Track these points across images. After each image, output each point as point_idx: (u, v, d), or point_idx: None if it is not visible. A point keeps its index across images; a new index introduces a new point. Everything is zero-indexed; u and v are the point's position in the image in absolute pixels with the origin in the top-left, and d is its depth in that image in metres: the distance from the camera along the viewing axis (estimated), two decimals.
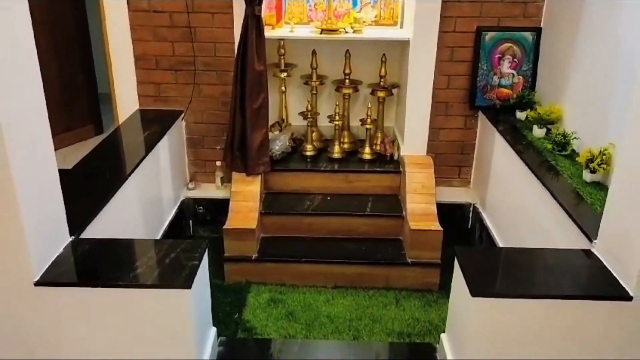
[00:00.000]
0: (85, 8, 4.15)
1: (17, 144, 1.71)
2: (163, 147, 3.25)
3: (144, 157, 2.94)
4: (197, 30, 3.34)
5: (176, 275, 1.87)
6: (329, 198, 3.44)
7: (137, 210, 2.90)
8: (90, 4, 3.96)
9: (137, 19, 3.31)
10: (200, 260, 1.94)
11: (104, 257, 2.01)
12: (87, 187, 2.59)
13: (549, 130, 3.00)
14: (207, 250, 2.03)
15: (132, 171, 2.77)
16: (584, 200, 2.40)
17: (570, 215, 2.32)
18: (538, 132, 3.01)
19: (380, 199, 3.43)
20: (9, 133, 1.67)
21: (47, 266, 1.89)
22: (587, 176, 2.51)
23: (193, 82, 3.43)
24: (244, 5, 3.00)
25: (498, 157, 3.25)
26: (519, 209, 2.94)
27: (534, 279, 2.04)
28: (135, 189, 2.81)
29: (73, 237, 2.05)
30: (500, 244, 3.15)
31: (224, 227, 3.11)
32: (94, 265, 1.96)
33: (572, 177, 2.57)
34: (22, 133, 1.74)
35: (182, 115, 3.51)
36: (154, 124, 3.39)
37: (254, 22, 3.02)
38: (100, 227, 2.29)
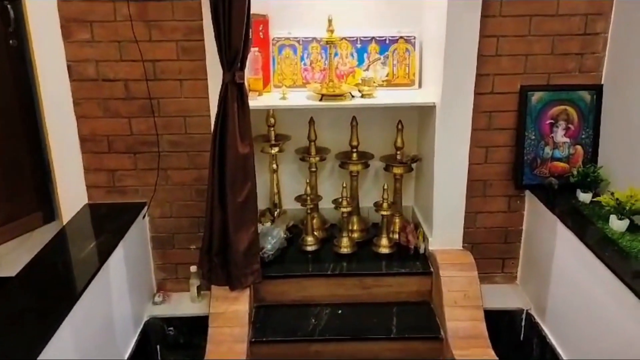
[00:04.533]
0: (27, 71, 3.38)
1: None
2: (119, 254, 2.44)
3: (91, 279, 2.13)
4: (162, 102, 2.57)
5: None
6: (339, 311, 2.63)
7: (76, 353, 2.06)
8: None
9: (82, 90, 2.54)
10: None
11: None
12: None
13: (632, 222, 2.25)
14: None
15: (75, 302, 1.97)
16: None
17: None
18: (618, 224, 2.26)
19: (407, 310, 2.62)
20: None
21: None
22: None
23: (157, 167, 2.65)
24: (221, 71, 2.26)
25: (561, 251, 2.48)
26: (605, 329, 2.15)
27: None
28: (79, 324, 1.99)
29: None
30: None
31: None
32: None
33: None
34: None
35: (145, 209, 2.71)
36: (108, 222, 2.59)
37: (234, 91, 2.27)
38: None
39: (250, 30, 2.63)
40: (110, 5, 2.41)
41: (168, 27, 2.45)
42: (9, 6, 3.23)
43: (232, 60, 2.21)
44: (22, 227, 3.59)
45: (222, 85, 2.27)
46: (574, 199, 2.57)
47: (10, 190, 3.47)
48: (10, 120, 3.38)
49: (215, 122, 2.32)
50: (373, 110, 2.88)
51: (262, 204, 3.01)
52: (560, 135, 2.64)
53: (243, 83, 2.28)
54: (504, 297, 2.82)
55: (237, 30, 2.15)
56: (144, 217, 2.67)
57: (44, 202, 3.63)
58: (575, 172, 2.59)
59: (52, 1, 2.41)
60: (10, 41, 3.28)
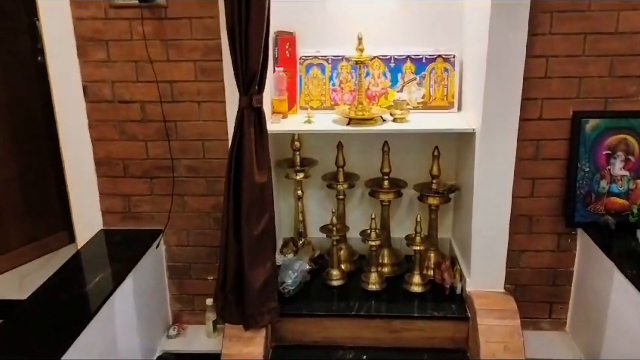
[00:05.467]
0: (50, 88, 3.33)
1: None
2: (131, 283, 2.29)
3: (98, 309, 2.01)
4: (179, 125, 2.43)
5: None
6: (364, 357, 2.40)
7: None
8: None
9: (98, 111, 2.43)
10: None
11: None
12: None
13: None
14: None
15: (78, 334, 1.84)
16: None
17: None
18: None
19: (440, 359, 2.36)
20: None
21: None
22: None
23: (172, 192, 2.50)
24: (237, 94, 2.09)
25: (617, 300, 2.17)
26: None
27: None
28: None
29: None
30: None
31: None
32: None
33: None
34: None
35: (161, 236, 2.57)
36: (122, 249, 2.47)
37: (252, 116, 2.10)
38: None
39: (275, 49, 2.48)
40: (127, 23, 2.29)
41: (186, 47, 2.31)
42: (37, 22, 3.19)
43: (249, 83, 2.03)
44: (48, 246, 3.54)
45: (238, 110, 2.10)
46: (633, 240, 2.25)
47: (35, 209, 3.43)
48: (36, 138, 3.34)
49: (230, 149, 2.14)
50: (407, 135, 2.65)
51: (285, 232, 2.84)
52: (618, 168, 2.33)
53: (261, 107, 2.10)
54: (551, 346, 2.52)
55: (254, 51, 1.98)
56: (157, 246, 2.52)
57: (69, 222, 3.57)
58: (635, 210, 2.27)
59: (68, 19, 2.31)
60: (39, 57, 3.23)
